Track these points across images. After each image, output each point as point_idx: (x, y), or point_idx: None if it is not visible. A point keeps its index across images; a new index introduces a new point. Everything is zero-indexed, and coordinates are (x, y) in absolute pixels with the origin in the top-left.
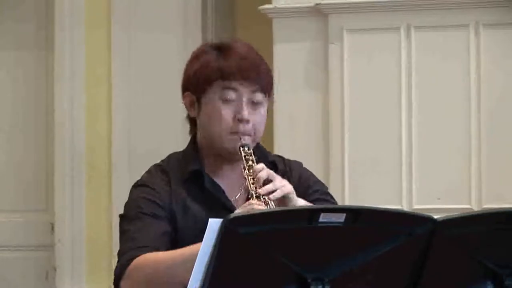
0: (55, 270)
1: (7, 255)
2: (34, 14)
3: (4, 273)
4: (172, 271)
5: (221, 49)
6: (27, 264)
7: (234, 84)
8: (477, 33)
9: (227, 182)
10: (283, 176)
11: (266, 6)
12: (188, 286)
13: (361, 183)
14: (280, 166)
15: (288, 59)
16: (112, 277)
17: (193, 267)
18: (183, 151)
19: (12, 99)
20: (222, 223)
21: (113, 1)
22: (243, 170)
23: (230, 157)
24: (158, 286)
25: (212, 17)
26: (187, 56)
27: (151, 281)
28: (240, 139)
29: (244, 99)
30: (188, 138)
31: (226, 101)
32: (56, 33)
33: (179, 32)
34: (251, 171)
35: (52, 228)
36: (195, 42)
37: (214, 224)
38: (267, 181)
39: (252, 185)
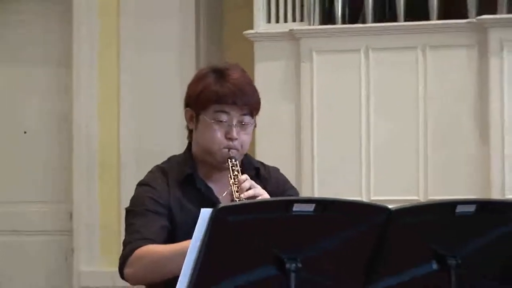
0: (73, 252)
1: (34, 239)
2: (59, 38)
3: (31, 254)
4: (169, 262)
5: (219, 74)
6: (50, 246)
7: (227, 107)
8: (424, 54)
9: (217, 185)
10: (263, 181)
11: (249, 31)
12: (183, 268)
13: (328, 179)
14: (262, 171)
15: (267, 75)
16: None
17: None
18: (181, 155)
19: (39, 107)
20: (213, 212)
21: (122, 27)
22: (229, 178)
23: (219, 166)
24: (156, 274)
25: (204, 40)
26: (184, 72)
27: (150, 270)
28: (229, 151)
29: (234, 121)
30: (186, 142)
31: (219, 122)
32: (74, 53)
33: (177, 52)
34: (236, 180)
35: (71, 217)
36: (190, 61)
37: (205, 213)
38: (249, 189)
39: (236, 192)
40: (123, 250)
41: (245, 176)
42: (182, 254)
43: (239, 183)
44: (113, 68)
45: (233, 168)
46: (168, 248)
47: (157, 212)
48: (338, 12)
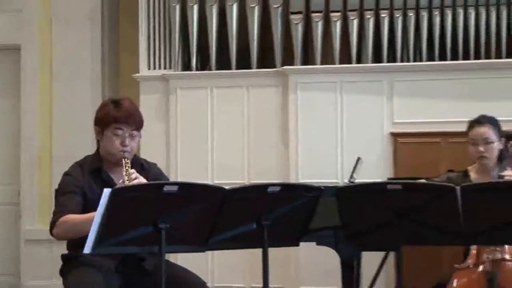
0: (20, 217)
1: None
2: (10, 79)
3: None
4: (82, 225)
5: (116, 103)
6: (5, 213)
7: (121, 125)
8: (248, 91)
9: (115, 175)
10: (145, 172)
11: (136, 74)
12: (91, 228)
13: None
14: (145, 165)
15: (148, 104)
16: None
17: None
18: (93, 155)
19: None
20: (111, 191)
21: (54, 66)
22: (123, 171)
23: (117, 163)
24: (74, 233)
25: (106, 78)
26: (94, 100)
27: (70, 230)
28: (123, 153)
29: (127, 134)
30: (95, 147)
31: (117, 135)
32: (22, 83)
33: (89, 86)
34: (127, 172)
35: (18, 194)
36: (98, 92)
37: (106, 192)
38: (135, 178)
39: (126, 181)
40: (52, 217)
41: (133, 170)
42: (92, 220)
43: (129, 175)
44: (47, 96)
45: (126, 165)
46: (82, 216)
47: (75, 192)
48: (193, 62)
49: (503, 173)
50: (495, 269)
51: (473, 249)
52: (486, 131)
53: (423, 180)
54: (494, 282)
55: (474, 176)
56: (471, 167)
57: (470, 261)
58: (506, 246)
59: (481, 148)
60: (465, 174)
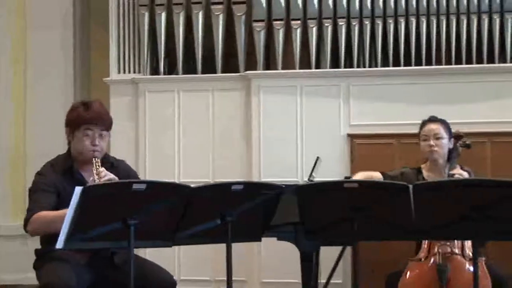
0: None
1: None
2: None
3: None
4: (55, 221)
5: (86, 106)
6: None
7: (91, 126)
8: (213, 94)
9: (86, 173)
10: (115, 169)
11: (107, 78)
12: (63, 224)
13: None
14: (115, 163)
15: (118, 106)
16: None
17: None
18: (64, 154)
19: None
20: (82, 189)
21: (27, 69)
22: (93, 170)
23: (88, 162)
24: (46, 229)
25: (78, 81)
26: (65, 100)
27: (42, 226)
28: (94, 152)
29: (96, 135)
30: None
31: (87, 135)
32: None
33: (62, 88)
34: (97, 170)
35: None
36: (70, 94)
37: (78, 189)
38: (104, 176)
39: (97, 179)
40: (26, 215)
41: (102, 168)
42: (63, 216)
43: (99, 173)
44: (20, 98)
45: (96, 163)
46: (54, 213)
47: (47, 191)
48: (160, 67)
49: (452, 172)
50: (445, 262)
51: (425, 243)
52: (437, 127)
53: (378, 173)
54: (445, 275)
55: (426, 174)
56: (424, 165)
57: (422, 254)
58: (456, 241)
59: (432, 142)
60: (419, 171)
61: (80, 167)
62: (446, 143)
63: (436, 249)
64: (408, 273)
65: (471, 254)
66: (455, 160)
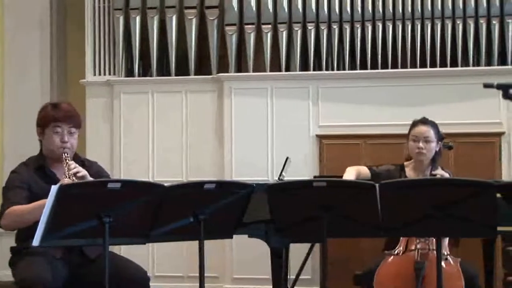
0: None
1: None
2: None
3: None
4: (27, 214)
5: (54, 106)
6: None
7: (60, 124)
8: (186, 95)
9: (58, 170)
10: (86, 169)
11: (83, 80)
12: (40, 222)
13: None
14: (86, 163)
15: (93, 106)
16: None
17: (41, 212)
18: (37, 154)
19: None
20: (58, 187)
21: (5, 70)
22: (64, 165)
23: (59, 159)
24: (20, 223)
25: (55, 82)
26: (42, 102)
27: (16, 220)
28: (64, 148)
29: (65, 132)
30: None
31: (56, 132)
32: None
33: (39, 90)
34: (67, 164)
35: None
36: (46, 96)
37: (54, 188)
38: (74, 168)
39: (67, 173)
40: (0, 210)
41: (72, 162)
42: (35, 208)
43: (69, 166)
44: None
45: (66, 158)
46: (26, 206)
47: (20, 187)
48: (135, 69)
49: (435, 172)
50: (423, 259)
51: (402, 239)
52: (428, 130)
53: (365, 168)
54: (422, 272)
55: (409, 172)
56: (408, 162)
57: (400, 248)
58: (433, 239)
59: (421, 145)
60: (402, 168)
61: (51, 165)
62: (434, 146)
63: (414, 246)
64: (384, 267)
65: (445, 253)
66: (438, 161)
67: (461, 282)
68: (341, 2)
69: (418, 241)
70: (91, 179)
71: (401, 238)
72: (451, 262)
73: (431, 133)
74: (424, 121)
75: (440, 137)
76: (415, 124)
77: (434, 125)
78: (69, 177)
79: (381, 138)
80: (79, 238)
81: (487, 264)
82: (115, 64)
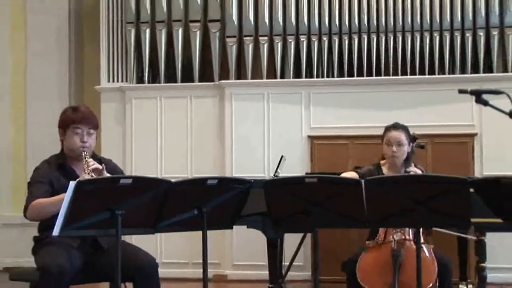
0: None
1: None
2: None
3: None
4: (49, 206)
5: (74, 109)
6: None
7: (79, 125)
8: (191, 100)
9: (77, 168)
10: (103, 164)
11: (98, 86)
12: (59, 214)
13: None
14: (103, 160)
15: (108, 111)
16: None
17: (61, 205)
18: (58, 153)
19: None
20: (76, 183)
21: (27, 81)
22: (84, 163)
23: (79, 157)
24: (43, 215)
25: (74, 88)
26: (62, 107)
27: (40, 212)
28: (83, 148)
29: (85, 132)
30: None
31: (76, 133)
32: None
33: (58, 95)
34: (86, 161)
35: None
36: (65, 101)
37: (72, 183)
38: (93, 165)
39: (87, 169)
40: (25, 203)
41: (91, 159)
42: (56, 202)
43: (88, 163)
44: (21, 104)
45: (85, 156)
46: (48, 199)
47: (43, 182)
48: (145, 76)
49: (408, 169)
50: (399, 248)
51: (381, 230)
52: (400, 135)
53: (354, 173)
54: (398, 259)
55: (385, 171)
56: (383, 162)
57: (379, 239)
58: (409, 229)
59: (394, 149)
60: (378, 166)
61: (71, 163)
62: (406, 148)
63: (391, 236)
64: (365, 257)
65: (422, 240)
66: (411, 159)
67: (434, 266)
68: (330, 16)
69: (394, 231)
70: (107, 174)
71: (380, 229)
72: (425, 249)
73: (402, 137)
74: (396, 126)
75: (412, 138)
76: (388, 129)
77: (405, 129)
78: (88, 173)
79: (367, 139)
80: (94, 229)
81: (461, 253)
82: (127, 72)
